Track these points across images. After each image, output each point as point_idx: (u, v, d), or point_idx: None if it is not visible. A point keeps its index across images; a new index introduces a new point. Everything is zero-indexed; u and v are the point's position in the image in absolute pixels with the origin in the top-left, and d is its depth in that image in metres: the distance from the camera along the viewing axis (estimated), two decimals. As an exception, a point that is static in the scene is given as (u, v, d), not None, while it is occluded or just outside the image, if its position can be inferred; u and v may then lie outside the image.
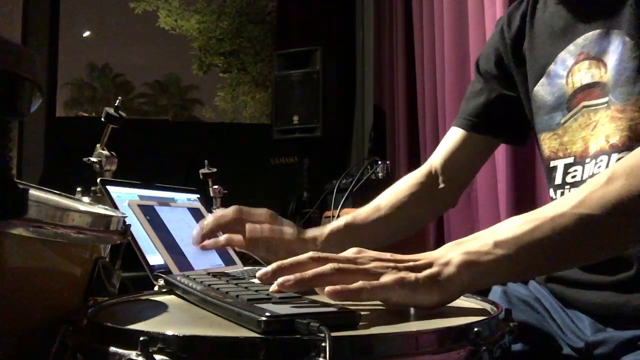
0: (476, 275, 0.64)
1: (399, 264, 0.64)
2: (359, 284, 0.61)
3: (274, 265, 0.65)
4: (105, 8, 31.74)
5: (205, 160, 1.94)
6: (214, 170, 1.93)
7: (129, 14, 17.68)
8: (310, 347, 0.47)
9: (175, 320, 0.65)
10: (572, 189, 0.87)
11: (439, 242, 2.75)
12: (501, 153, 1.85)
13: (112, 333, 0.53)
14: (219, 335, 0.53)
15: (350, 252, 0.67)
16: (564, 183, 0.89)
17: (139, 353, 0.48)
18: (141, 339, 0.48)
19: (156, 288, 0.92)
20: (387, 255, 0.67)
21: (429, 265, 0.64)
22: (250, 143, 4.15)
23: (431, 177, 1.09)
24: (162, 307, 0.70)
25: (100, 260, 0.72)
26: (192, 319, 0.64)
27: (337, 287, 0.60)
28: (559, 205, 0.65)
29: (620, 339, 0.76)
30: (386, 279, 0.62)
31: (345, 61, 3.88)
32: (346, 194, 2.49)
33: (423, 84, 2.77)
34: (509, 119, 1.05)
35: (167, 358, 0.48)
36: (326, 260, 0.64)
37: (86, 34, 32.56)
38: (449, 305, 0.64)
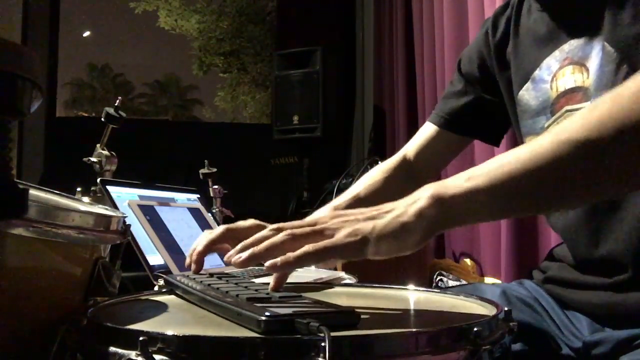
0: (445, 210, 0.59)
1: (359, 215, 0.61)
2: (302, 249, 0.58)
3: (238, 246, 0.64)
4: (105, 8, 31.74)
5: (205, 160, 1.93)
6: (214, 170, 1.93)
7: (129, 14, 17.72)
8: (310, 347, 0.47)
9: (175, 320, 0.65)
10: None
11: (440, 240, 2.75)
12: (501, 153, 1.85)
13: (112, 333, 0.53)
14: (219, 335, 0.53)
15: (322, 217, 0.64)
16: None
17: (139, 353, 0.48)
18: (141, 339, 0.48)
19: (156, 288, 0.92)
20: (357, 210, 0.62)
21: (393, 208, 0.60)
22: (250, 143, 4.16)
23: (404, 165, 1.12)
24: (162, 307, 0.70)
25: (100, 260, 0.72)
26: (192, 319, 0.64)
27: (277, 259, 0.58)
28: (541, 136, 0.60)
29: (617, 338, 0.76)
30: (338, 235, 0.59)
31: (345, 61, 3.89)
32: (346, 194, 2.48)
33: (423, 84, 2.77)
34: (485, 121, 1.07)
35: (167, 358, 0.48)
36: (283, 230, 0.62)
37: (86, 34, 32.55)
38: (448, 305, 0.64)
